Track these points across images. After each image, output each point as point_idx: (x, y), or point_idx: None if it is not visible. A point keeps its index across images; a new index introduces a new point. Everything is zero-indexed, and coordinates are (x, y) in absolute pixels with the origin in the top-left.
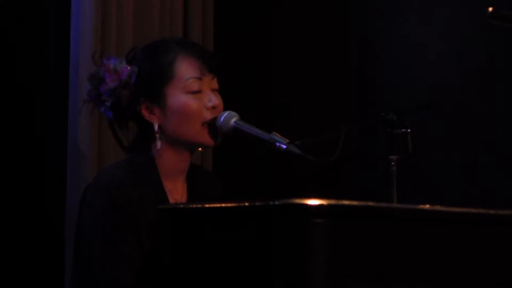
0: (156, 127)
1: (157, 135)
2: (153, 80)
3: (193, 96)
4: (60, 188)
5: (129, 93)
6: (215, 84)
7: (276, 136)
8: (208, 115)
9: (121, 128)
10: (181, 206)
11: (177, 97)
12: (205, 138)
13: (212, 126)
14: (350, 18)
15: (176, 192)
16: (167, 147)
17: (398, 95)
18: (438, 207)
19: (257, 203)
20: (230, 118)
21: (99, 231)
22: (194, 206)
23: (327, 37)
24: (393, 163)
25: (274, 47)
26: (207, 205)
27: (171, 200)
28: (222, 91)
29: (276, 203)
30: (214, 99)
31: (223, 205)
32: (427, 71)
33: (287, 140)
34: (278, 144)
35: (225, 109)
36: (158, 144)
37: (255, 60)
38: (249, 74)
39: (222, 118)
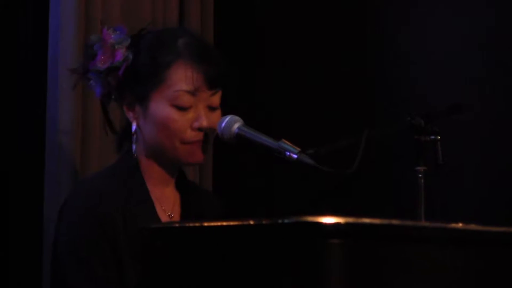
0: (134, 127)
1: (134, 137)
2: (143, 77)
3: (179, 111)
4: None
5: (116, 81)
6: (214, 101)
7: (285, 144)
8: (190, 136)
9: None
10: (177, 224)
11: (161, 106)
12: (187, 156)
13: (195, 144)
14: (367, 18)
15: (166, 201)
16: (145, 153)
17: (425, 97)
18: (472, 226)
19: (263, 222)
20: (233, 123)
21: (74, 253)
22: (192, 224)
23: (343, 35)
24: (420, 175)
25: (287, 47)
26: (206, 224)
27: (159, 210)
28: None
29: (286, 221)
30: (203, 120)
31: (225, 223)
32: (455, 72)
33: (298, 149)
34: (288, 153)
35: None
36: (133, 147)
37: (263, 59)
38: (255, 73)
39: (223, 124)
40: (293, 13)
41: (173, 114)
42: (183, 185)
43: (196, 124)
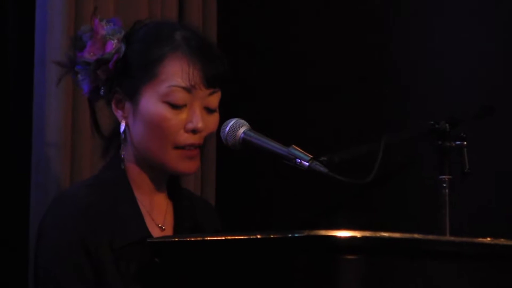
0: (122, 127)
1: (122, 138)
2: (134, 70)
3: (172, 109)
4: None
5: (105, 75)
6: (212, 102)
7: (296, 150)
8: (183, 139)
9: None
10: (176, 239)
11: (152, 102)
12: (178, 165)
13: (191, 151)
14: (392, 18)
15: (157, 211)
16: (133, 157)
17: (450, 100)
18: (501, 241)
19: (272, 235)
20: (238, 127)
21: (53, 279)
22: (193, 238)
23: (361, 35)
24: (445, 185)
25: (302, 47)
26: (209, 238)
27: (149, 223)
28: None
29: (296, 235)
30: (198, 121)
31: (229, 237)
32: (480, 72)
33: (310, 156)
34: (298, 160)
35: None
36: (122, 150)
37: (274, 58)
38: (267, 74)
39: (227, 128)
40: (305, 9)
41: (166, 111)
42: (175, 193)
43: (190, 125)
